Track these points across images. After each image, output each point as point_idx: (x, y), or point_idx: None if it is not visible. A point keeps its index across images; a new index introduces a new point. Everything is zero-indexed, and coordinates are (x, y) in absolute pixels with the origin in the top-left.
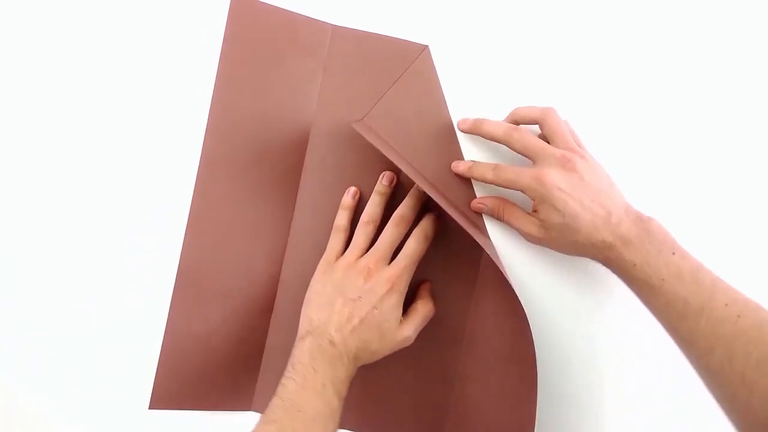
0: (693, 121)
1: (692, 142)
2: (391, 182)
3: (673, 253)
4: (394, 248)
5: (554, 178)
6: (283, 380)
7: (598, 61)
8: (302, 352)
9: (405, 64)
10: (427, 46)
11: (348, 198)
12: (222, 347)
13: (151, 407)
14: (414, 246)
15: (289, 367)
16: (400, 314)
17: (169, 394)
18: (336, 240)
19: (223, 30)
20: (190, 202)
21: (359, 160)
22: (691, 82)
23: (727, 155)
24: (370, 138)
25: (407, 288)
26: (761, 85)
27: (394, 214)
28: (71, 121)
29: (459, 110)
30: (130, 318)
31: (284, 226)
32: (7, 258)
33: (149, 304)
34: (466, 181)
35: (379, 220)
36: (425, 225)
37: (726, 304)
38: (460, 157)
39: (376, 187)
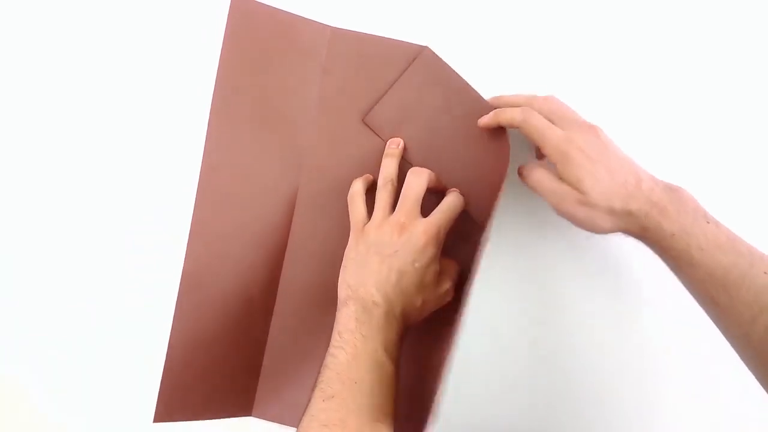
0: (692, 100)
1: (694, 123)
2: (399, 145)
3: (708, 222)
4: (421, 199)
5: (580, 140)
6: (332, 350)
7: (597, 57)
8: (348, 318)
9: (404, 64)
10: (426, 46)
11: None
12: (223, 354)
13: (155, 421)
14: (451, 201)
15: (336, 335)
16: (438, 267)
17: (172, 406)
18: (358, 207)
19: (223, 32)
20: (191, 203)
21: (359, 161)
22: (681, 64)
23: (731, 140)
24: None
25: (443, 243)
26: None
27: (411, 168)
28: (70, 123)
29: None
30: (130, 320)
31: (284, 229)
32: (8, 262)
33: (149, 305)
34: (474, 175)
35: (396, 180)
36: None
37: (765, 272)
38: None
39: (386, 151)
